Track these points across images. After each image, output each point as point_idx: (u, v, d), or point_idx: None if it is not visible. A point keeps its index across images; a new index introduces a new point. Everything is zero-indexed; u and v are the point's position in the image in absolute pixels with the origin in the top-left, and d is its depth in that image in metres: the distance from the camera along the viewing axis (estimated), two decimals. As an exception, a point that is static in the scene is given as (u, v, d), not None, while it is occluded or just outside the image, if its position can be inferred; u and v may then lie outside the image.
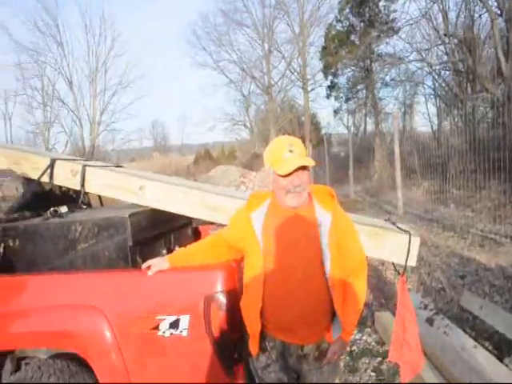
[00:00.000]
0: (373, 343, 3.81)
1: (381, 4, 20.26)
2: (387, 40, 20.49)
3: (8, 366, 2.42)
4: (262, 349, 1.91)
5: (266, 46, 32.08)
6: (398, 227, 2.49)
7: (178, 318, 1.95)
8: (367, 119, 26.07)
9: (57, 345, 2.18)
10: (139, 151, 49.09)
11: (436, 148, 10.68)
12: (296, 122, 33.55)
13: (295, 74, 31.05)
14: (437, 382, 2.88)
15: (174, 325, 1.95)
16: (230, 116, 37.24)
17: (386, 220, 2.70)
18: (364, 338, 3.94)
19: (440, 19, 16.20)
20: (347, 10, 21.79)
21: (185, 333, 1.94)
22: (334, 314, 1.89)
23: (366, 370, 3.35)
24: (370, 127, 25.16)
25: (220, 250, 2.04)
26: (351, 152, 14.93)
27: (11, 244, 2.49)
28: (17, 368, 2.41)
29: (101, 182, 2.74)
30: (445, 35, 15.77)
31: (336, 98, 25.19)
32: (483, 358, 2.86)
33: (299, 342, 1.88)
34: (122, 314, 2.03)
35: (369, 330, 4.06)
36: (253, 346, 1.90)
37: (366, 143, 18.56)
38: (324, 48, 23.67)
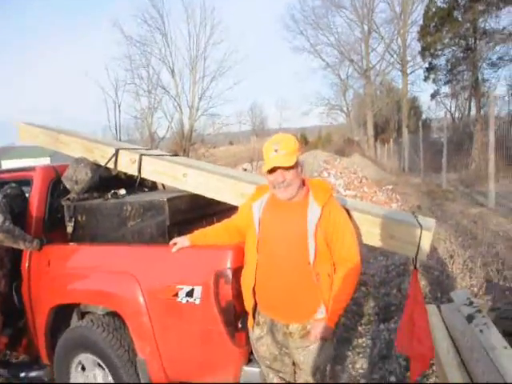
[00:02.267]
0: (413, 333, 3.85)
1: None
2: (496, 13, 18.81)
3: (75, 317, 3.00)
4: (256, 322, 2.20)
5: (365, 28, 31.18)
6: (417, 221, 2.55)
7: (193, 288, 2.30)
8: (472, 103, 24.27)
9: (102, 302, 2.67)
10: (238, 135, 50.72)
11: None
12: (395, 106, 32.33)
13: (394, 56, 29.84)
14: (461, 381, 2.91)
15: (190, 294, 2.30)
16: (326, 100, 36.94)
17: (412, 213, 2.77)
18: (407, 327, 3.99)
19: None
20: (451, -16, 20.31)
21: (197, 301, 2.28)
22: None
23: (397, 358, 3.44)
24: (475, 111, 23.41)
25: (231, 232, 2.35)
26: (445, 139, 14.22)
27: (79, 219, 3.03)
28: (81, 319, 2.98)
29: (153, 169, 3.17)
30: None
31: (434, 81, 23.80)
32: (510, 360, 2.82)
33: (284, 321, 2.12)
34: (151, 281, 2.45)
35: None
36: (249, 319, 2.20)
37: (468, 129, 17.40)
38: (423, 27, 22.41)
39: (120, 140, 28.66)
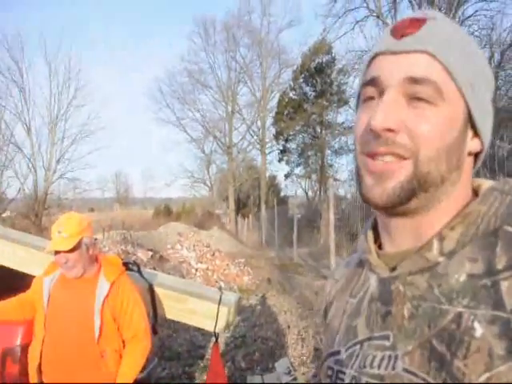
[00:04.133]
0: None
1: (332, 76, 21.80)
2: (337, 110, 21.95)
3: None
4: None
5: (229, 108, 33.10)
6: (220, 297, 2.65)
7: (-22, 367, 2.08)
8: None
9: None
10: (100, 201, 48.45)
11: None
12: (255, 182, 34.15)
13: (255, 136, 32.05)
14: None
15: (-26, 373, 2.08)
16: (189, 173, 37.49)
17: (219, 289, 2.92)
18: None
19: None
20: (301, 80, 23.24)
21: (-18, 381, 2.07)
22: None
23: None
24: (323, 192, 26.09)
25: (25, 307, 2.19)
26: (296, 216, 15.39)
27: None
28: None
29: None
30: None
31: (287, 163, 26.23)
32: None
33: None
34: None
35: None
36: None
37: (318, 207, 19.18)
38: (277, 114, 24.88)
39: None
